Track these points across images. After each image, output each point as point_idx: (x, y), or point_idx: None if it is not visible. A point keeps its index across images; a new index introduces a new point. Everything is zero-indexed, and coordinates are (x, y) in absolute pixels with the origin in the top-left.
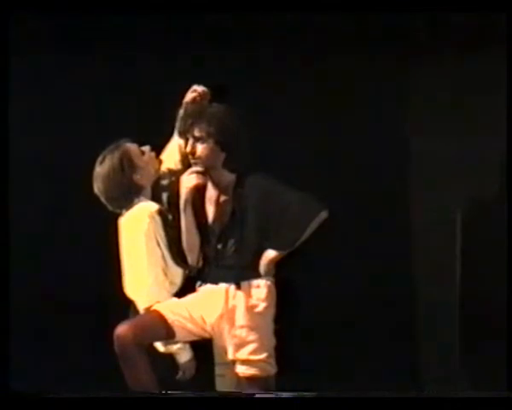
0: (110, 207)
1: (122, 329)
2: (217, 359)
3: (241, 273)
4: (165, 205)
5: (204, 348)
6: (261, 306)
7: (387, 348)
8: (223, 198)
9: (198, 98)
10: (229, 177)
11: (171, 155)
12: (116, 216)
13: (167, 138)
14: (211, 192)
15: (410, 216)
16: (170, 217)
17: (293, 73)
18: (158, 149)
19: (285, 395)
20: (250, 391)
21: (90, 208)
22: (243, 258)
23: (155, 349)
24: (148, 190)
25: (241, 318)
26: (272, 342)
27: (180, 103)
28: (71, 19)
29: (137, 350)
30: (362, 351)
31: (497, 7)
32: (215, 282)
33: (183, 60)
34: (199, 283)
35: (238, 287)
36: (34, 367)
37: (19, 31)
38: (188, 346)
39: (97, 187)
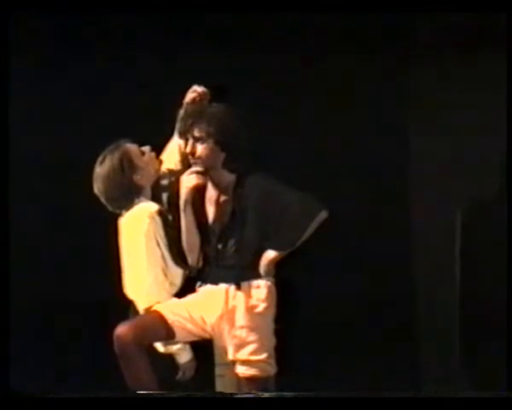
0: (110, 208)
1: (122, 329)
2: (217, 359)
3: (241, 274)
4: (165, 205)
5: (204, 348)
6: (261, 306)
7: (387, 348)
8: (223, 198)
9: (198, 98)
10: (229, 177)
11: (171, 156)
12: (116, 216)
13: (167, 138)
14: (211, 192)
15: (410, 216)
16: (170, 217)
17: (293, 73)
18: (158, 149)
19: (285, 395)
20: (250, 391)
21: (90, 208)
22: (243, 258)
23: (155, 350)
24: (148, 191)
25: (241, 318)
26: (272, 342)
27: (180, 103)
28: (71, 19)
29: (137, 350)
30: (362, 351)
31: (497, 7)
32: (215, 282)
33: (183, 60)
34: (199, 283)
35: (238, 287)
36: (34, 367)
37: (19, 31)
38: (188, 346)
39: (97, 187)
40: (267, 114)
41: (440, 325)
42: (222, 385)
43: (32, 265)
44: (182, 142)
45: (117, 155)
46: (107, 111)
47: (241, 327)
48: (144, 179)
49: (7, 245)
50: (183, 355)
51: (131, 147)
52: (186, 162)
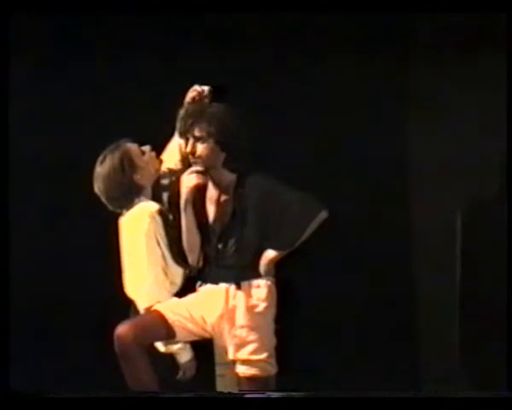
0: (110, 207)
1: (122, 329)
2: (217, 359)
3: (241, 273)
4: (166, 205)
5: (204, 348)
6: (261, 306)
7: (387, 348)
8: (223, 198)
9: (198, 98)
10: (229, 177)
11: (171, 155)
12: (116, 216)
13: (167, 138)
14: (211, 192)
15: (410, 216)
16: (170, 217)
17: (293, 73)
18: (158, 148)
19: (285, 394)
20: (250, 391)
21: (90, 208)
22: (243, 258)
23: (156, 349)
24: (149, 190)
25: (241, 318)
26: (272, 342)
27: (180, 103)
28: (71, 19)
29: (138, 350)
30: (362, 351)
31: (497, 7)
32: (215, 282)
33: (183, 60)
34: (199, 283)
35: (238, 287)
36: (34, 367)
37: (19, 31)
38: (188, 346)
39: (98, 187)
40: (267, 114)
41: (440, 325)
42: (222, 385)
43: (32, 265)
44: (182, 141)
45: (117, 154)
46: (107, 111)
47: (242, 327)
48: (144, 179)
49: (7, 245)
50: (184, 355)
51: (132, 146)
52: (186, 162)
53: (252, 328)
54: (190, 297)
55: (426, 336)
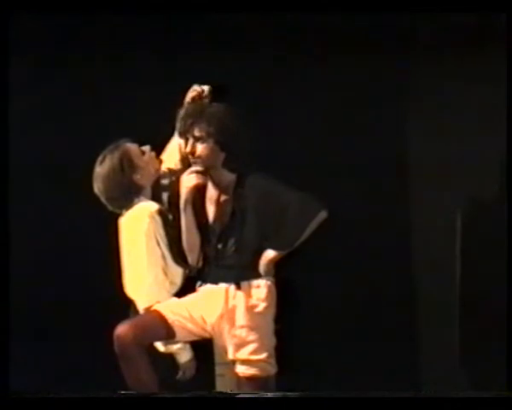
0: (110, 207)
1: (122, 329)
2: (217, 359)
3: (241, 273)
4: (166, 205)
5: (204, 348)
6: (261, 306)
7: (387, 348)
8: (223, 198)
9: (198, 98)
10: (229, 177)
11: (171, 155)
12: (116, 216)
13: (167, 138)
14: (211, 192)
15: (410, 216)
16: (170, 217)
17: (292, 73)
18: (158, 148)
19: (285, 394)
20: (250, 391)
21: (90, 208)
22: (243, 258)
23: (155, 349)
24: (148, 190)
25: (241, 318)
26: (272, 342)
27: (180, 103)
28: (71, 19)
29: (137, 350)
30: (362, 351)
31: (497, 7)
32: (215, 282)
33: (183, 60)
34: (199, 283)
35: (238, 287)
36: (34, 367)
37: (19, 31)
38: (188, 346)
39: (97, 187)
40: (267, 114)
41: (440, 325)
42: (222, 385)
43: (32, 265)
44: (182, 141)
45: (117, 154)
46: (107, 111)
47: (241, 327)
48: (144, 179)
49: (7, 245)
50: (184, 355)
51: (131, 146)
52: (186, 162)
53: (251, 328)
54: (190, 297)
55: (426, 336)
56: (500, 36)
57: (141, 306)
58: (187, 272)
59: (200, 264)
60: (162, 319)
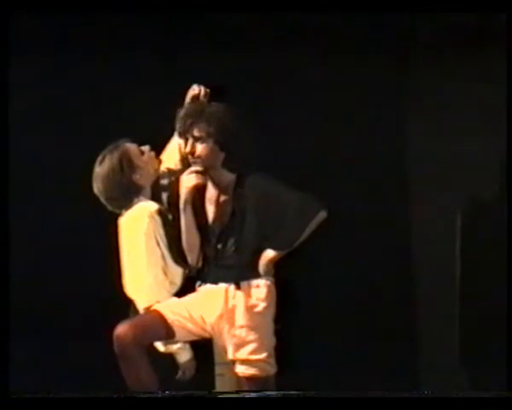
0: (110, 207)
1: (122, 329)
2: (217, 358)
3: (240, 273)
4: (165, 205)
5: (204, 347)
6: (261, 305)
7: (387, 347)
8: (222, 198)
9: (197, 98)
10: (228, 177)
11: (170, 155)
12: (116, 216)
13: (167, 138)
14: (211, 192)
15: (409, 216)
16: (170, 217)
17: (292, 73)
18: (158, 149)
19: (285, 394)
20: (250, 391)
21: (90, 208)
22: (243, 258)
23: (155, 349)
24: (148, 190)
25: (240, 317)
26: (272, 341)
27: (180, 103)
28: (71, 19)
29: (137, 350)
30: (362, 351)
31: (497, 7)
32: (215, 282)
33: (183, 60)
34: (199, 282)
35: (238, 287)
36: (34, 367)
37: (19, 31)
38: (188, 346)
39: (97, 187)
40: (267, 114)
41: (440, 325)
42: (222, 384)
43: (32, 265)
44: (181, 141)
45: (116, 154)
46: (107, 111)
47: (241, 326)
48: (144, 179)
49: (7, 245)
50: (183, 355)
51: (131, 147)
52: (186, 162)
53: (251, 328)
54: (190, 297)
55: (426, 336)
56: (500, 36)
57: (141, 306)
58: (187, 271)
59: (200, 264)
60: (162, 319)
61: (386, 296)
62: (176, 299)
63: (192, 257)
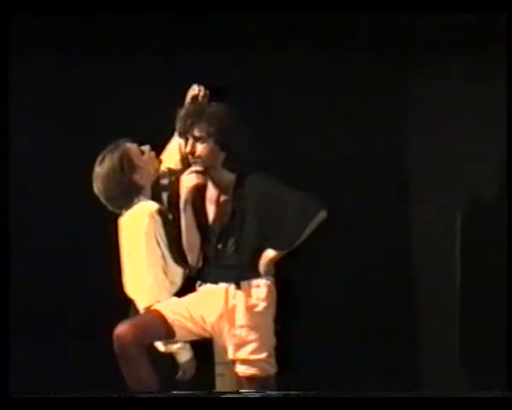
0: (110, 207)
1: (122, 328)
2: (217, 358)
3: (240, 273)
4: (166, 205)
5: (204, 347)
6: (261, 305)
7: (387, 348)
8: (223, 198)
9: (197, 98)
10: (229, 177)
11: (171, 155)
12: (116, 216)
13: (167, 138)
14: (211, 192)
15: (409, 216)
16: (170, 216)
17: (293, 73)
18: (158, 149)
19: (285, 394)
20: (250, 391)
21: (90, 208)
22: (243, 258)
23: (155, 349)
24: (148, 190)
25: (241, 317)
26: (272, 341)
27: (180, 103)
28: (71, 19)
29: (137, 350)
30: (362, 351)
31: (497, 7)
32: (215, 281)
33: (183, 60)
34: (199, 282)
35: (238, 287)
36: (34, 367)
37: (19, 31)
38: (188, 345)
39: (97, 187)
40: (267, 114)
41: (440, 325)
42: (222, 384)
43: (32, 265)
44: (182, 141)
45: (117, 154)
46: (107, 111)
47: (241, 326)
48: (144, 179)
49: (7, 245)
50: (183, 355)
51: (131, 146)
52: (186, 162)
53: (251, 328)
54: (190, 297)
55: (426, 336)
56: (500, 36)
57: (141, 305)
58: (187, 271)
59: (200, 264)
60: (162, 319)
61: (386, 296)
62: (176, 299)
63: (192, 257)
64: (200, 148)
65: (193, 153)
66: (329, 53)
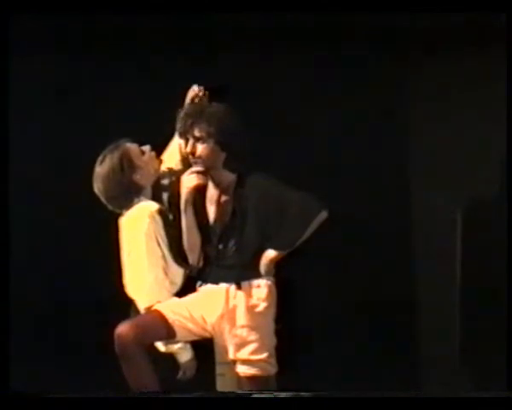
0: (110, 207)
1: (123, 328)
2: (217, 358)
3: (241, 273)
4: (166, 205)
5: (205, 347)
6: (262, 305)
7: (387, 348)
8: (223, 198)
9: (197, 98)
10: (229, 177)
11: (171, 155)
12: (116, 216)
13: (167, 138)
14: (211, 192)
15: (410, 216)
16: (170, 217)
17: (293, 74)
18: (158, 149)
19: (285, 394)
20: (250, 391)
21: (90, 208)
22: (244, 258)
23: (156, 349)
24: (149, 190)
25: (241, 317)
26: (273, 341)
27: (180, 103)
28: (71, 19)
29: (138, 350)
30: (362, 351)
31: (497, 7)
32: (216, 282)
33: (182, 60)
34: (199, 282)
35: (239, 287)
36: (34, 367)
37: (19, 31)
38: (188, 346)
39: (97, 187)
40: (267, 114)
41: (440, 324)
42: (222, 384)
43: (32, 265)
44: (182, 142)
45: (117, 154)
46: (107, 111)
47: (242, 326)
48: (144, 179)
49: (7, 245)
50: (184, 355)
51: (131, 146)
52: (186, 162)
53: (252, 328)
54: (190, 297)
55: (426, 336)
56: (500, 36)
57: (141, 305)
58: (187, 271)
59: (201, 264)
60: (163, 319)
61: (387, 296)
62: (176, 299)
63: (193, 257)
64: (201, 148)
65: (193, 153)
66: (329, 53)
